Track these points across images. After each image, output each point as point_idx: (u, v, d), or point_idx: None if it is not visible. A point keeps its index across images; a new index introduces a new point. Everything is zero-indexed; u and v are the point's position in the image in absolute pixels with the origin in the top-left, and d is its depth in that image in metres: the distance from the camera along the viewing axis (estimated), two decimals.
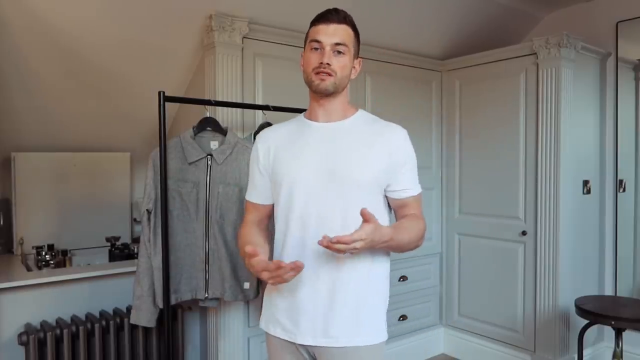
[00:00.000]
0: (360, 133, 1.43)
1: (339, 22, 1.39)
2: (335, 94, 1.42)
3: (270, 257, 1.50)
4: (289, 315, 1.42)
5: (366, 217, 1.24)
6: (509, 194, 3.12)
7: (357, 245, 1.21)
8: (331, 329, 1.37)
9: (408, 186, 1.44)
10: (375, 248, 1.31)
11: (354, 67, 1.46)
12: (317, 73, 1.38)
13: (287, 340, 1.44)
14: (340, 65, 1.39)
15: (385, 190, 1.43)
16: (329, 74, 1.37)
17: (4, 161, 2.91)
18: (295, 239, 1.41)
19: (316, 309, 1.38)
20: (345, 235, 1.20)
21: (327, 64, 1.36)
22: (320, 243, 1.20)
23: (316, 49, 1.39)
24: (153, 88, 2.22)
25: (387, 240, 1.30)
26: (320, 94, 1.41)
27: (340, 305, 1.37)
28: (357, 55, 1.47)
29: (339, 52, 1.38)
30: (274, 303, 1.47)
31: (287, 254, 1.43)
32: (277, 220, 1.48)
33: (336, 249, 1.21)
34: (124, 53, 2.52)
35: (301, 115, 1.54)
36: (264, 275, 1.30)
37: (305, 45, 1.45)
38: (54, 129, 2.86)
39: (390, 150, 1.40)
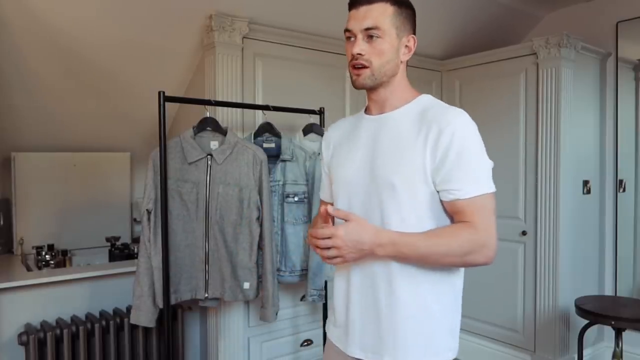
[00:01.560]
0: (407, 124, 1.23)
1: (370, 2, 1.21)
2: (383, 84, 1.26)
3: None
4: (345, 323, 1.32)
5: (337, 215, 1.17)
6: (509, 194, 3.12)
7: (329, 243, 1.12)
8: (380, 345, 1.25)
9: (458, 186, 1.16)
10: (379, 256, 1.17)
11: (406, 47, 1.26)
12: (353, 68, 1.24)
13: (341, 350, 1.34)
14: (376, 51, 1.21)
15: (438, 194, 1.20)
16: (364, 66, 1.22)
17: (4, 161, 2.91)
18: None
19: (364, 320, 1.27)
20: (315, 229, 1.15)
21: (359, 54, 1.21)
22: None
23: (349, 38, 1.25)
24: (153, 88, 2.22)
25: (384, 244, 1.14)
26: (360, 89, 1.28)
27: (391, 321, 1.23)
28: (409, 31, 1.26)
29: (373, 37, 1.21)
30: (334, 308, 1.37)
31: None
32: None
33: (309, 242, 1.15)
34: (124, 53, 2.52)
35: (363, 109, 1.40)
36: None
37: None
38: (54, 129, 2.86)
39: (433, 143, 1.16)
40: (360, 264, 1.26)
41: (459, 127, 1.17)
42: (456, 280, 1.30)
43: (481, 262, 1.20)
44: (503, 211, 3.16)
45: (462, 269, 1.31)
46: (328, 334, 1.42)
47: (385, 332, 1.24)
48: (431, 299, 1.25)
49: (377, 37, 1.21)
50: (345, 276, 1.32)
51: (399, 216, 1.20)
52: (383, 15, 1.21)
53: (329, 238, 1.13)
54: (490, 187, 1.21)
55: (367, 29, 1.21)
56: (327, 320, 1.45)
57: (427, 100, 1.29)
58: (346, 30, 1.25)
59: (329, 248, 1.14)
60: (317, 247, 1.16)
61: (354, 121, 1.40)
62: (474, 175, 1.19)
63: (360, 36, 1.22)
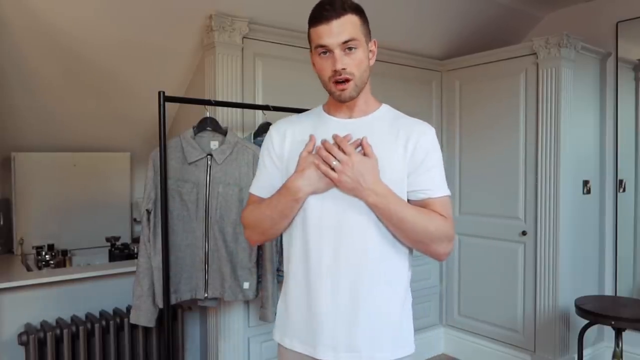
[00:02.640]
0: (382, 131, 1.29)
1: (338, 15, 1.22)
2: (360, 91, 1.29)
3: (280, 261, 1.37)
4: (308, 326, 1.29)
5: (365, 144, 1.23)
6: (509, 194, 3.12)
7: (341, 156, 1.21)
8: (355, 342, 1.25)
9: (428, 187, 1.27)
10: (367, 201, 1.21)
11: (371, 51, 1.31)
12: (335, 82, 1.25)
13: (304, 355, 1.30)
14: (356, 62, 1.24)
15: (407, 194, 1.28)
16: (348, 79, 1.24)
17: (4, 161, 2.91)
18: (312, 247, 1.28)
19: (337, 320, 1.26)
20: (340, 136, 1.24)
21: (343, 69, 1.23)
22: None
23: (325, 53, 1.25)
24: (153, 88, 2.22)
25: (379, 193, 1.20)
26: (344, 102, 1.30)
27: (364, 316, 1.25)
28: (369, 37, 1.30)
29: (351, 49, 1.23)
30: (290, 313, 1.33)
31: (300, 261, 1.31)
32: (292, 224, 1.32)
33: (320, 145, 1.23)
34: (124, 53, 2.53)
35: (319, 108, 1.39)
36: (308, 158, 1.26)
37: (310, 46, 1.30)
38: (54, 129, 2.86)
39: (412, 150, 1.27)
40: (336, 252, 1.25)
41: (431, 139, 1.31)
42: (409, 281, 1.36)
43: (441, 253, 1.28)
44: (503, 211, 3.17)
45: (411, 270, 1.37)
46: (286, 345, 1.34)
47: (360, 326, 1.25)
48: (401, 291, 1.31)
49: (355, 48, 1.24)
50: (312, 270, 1.28)
51: (375, 214, 1.24)
52: (354, 26, 1.24)
53: (344, 153, 1.21)
54: (449, 191, 1.33)
55: (346, 42, 1.22)
56: (281, 332, 1.36)
57: (390, 110, 1.37)
58: (320, 46, 1.24)
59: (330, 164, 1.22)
60: (324, 152, 1.22)
61: (311, 120, 1.38)
62: (440, 179, 1.31)
63: (338, 50, 1.23)
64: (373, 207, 1.22)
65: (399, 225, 1.23)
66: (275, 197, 1.30)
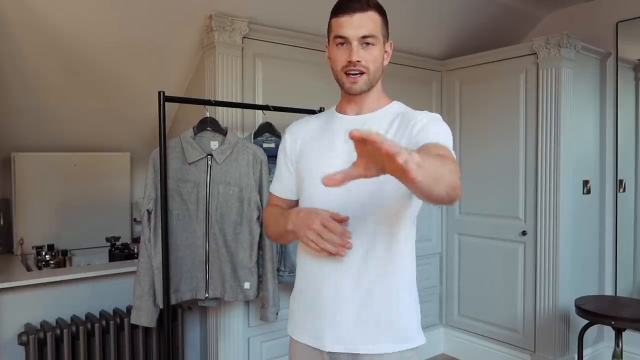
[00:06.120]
0: (389, 125, 1.29)
1: (363, 9, 1.24)
2: (372, 88, 1.30)
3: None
4: (315, 320, 1.32)
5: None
6: (509, 194, 3.12)
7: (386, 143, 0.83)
8: (359, 335, 1.27)
9: (435, 139, 1.17)
10: (411, 166, 0.85)
11: (386, 52, 1.32)
12: (347, 74, 1.26)
13: (313, 348, 1.33)
14: (372, 58, 1.26)
15: None
16: (361, 72, 1.26)
17: (4, 161, 2.91)
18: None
19: (342, 313, 1.28)
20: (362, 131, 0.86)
21: (357, 61, 1.24)
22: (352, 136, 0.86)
23: (342, 44, 1.26)
24: (153, 88, 2.22)
25: (418, 162, 0.87)
26: (354, 95, 1.30)
27: (368, 309, 1.26)
28: (387, 38, 1.32)
29: (369, 44, 1.25)
30: (299, 308, 1.38)
31: (307, 254, 1.33)
32: None
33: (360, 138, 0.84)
34: (124, 53, 2.53)
35: (332, 108, 1.42)
36: (316, 226, 1.15)
37: (328, 37, 1.31)
38: (54, 129, 2.86)
39: (412, 128, 1.23)
40: (339, 266, 1.25)
41: (434, 117, 1.27)
42: (415, 274, 1.36)
43: (458, 194, 1.11)
44: (503, 211, 3.16)
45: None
46: (296, 338, 1.37)
47: (366, 318, 1.26)
48: (407, 282, 1.31)
49: (372, 44, 1.25)
50: (317, 264, 1.30)
51: (382, 210, 1.23)
52: (375, 24, 1.26)
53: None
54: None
55: (365, 37, 1.24)
56: (292, 325, 1.40)
57: (401, 105, 1.36)
58: (340, 36, 1.26)
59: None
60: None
61: (322, 119, 1.42)
62: (446, 139, 1.21)
63: (355, 43, 1.24)
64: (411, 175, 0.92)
65: (431, 184, 0.99)
66: (282, 216, 1.30)
